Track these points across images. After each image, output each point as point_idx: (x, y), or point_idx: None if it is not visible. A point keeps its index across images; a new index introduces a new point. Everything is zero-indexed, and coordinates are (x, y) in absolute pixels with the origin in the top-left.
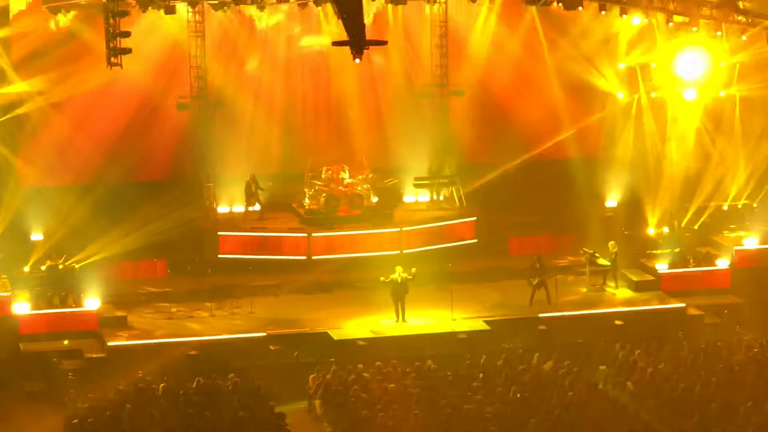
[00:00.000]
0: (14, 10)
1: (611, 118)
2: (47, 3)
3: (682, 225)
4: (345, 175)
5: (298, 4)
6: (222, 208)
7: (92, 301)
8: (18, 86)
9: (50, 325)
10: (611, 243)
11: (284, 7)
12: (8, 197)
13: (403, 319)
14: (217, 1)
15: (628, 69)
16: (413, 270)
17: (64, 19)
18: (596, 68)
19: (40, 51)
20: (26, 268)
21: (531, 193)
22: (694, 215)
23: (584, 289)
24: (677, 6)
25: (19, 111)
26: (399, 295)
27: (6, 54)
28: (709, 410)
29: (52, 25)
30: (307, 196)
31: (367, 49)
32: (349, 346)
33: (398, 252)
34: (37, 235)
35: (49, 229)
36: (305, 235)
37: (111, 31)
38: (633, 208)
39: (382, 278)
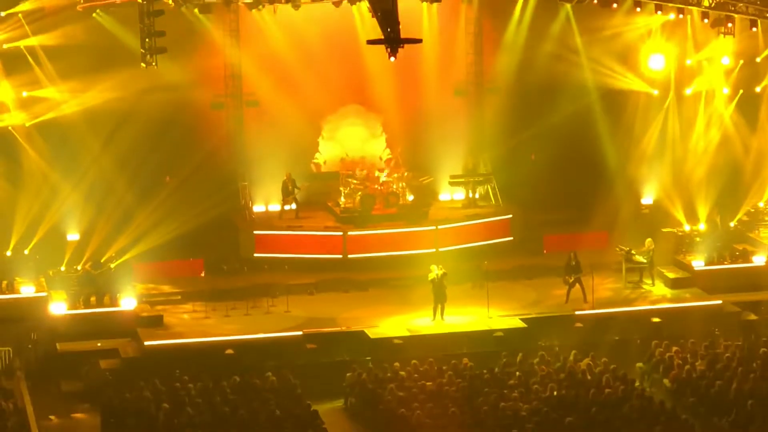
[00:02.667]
0: (49, 12)
1: (646, 115)
2: (83, 3)
3: (727, 222)
4: (381, 174)
5: (333, 3)
6: (258, 207)
7: (129, 301)
8: (53, 90)
9: (86, 325)
10: (648, 240)
11: (318, 4)
12: (44, 198)
13: (442, 317)
14: (250, 0)
15: (664, 66)
16: (443, 269)
17: (99, 20)
18: (631, 64)
19: (76, 52)
20: (62, 268)
21: (567, 190)
22: (731, 212)
23: (621, 286)
24: (712, 2)
25: (53, 114)
26: (438, 293)
27: (41, 56)
28: (745, 407)
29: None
30: (343, 194)
31: (402, 47)
32: (385, 344)
33: (434, 250)
34: (73, 235)
35: (84, 229)
36: (341, 233)
37: (146, 30)
38: (669, 204)
39: (430, 276)
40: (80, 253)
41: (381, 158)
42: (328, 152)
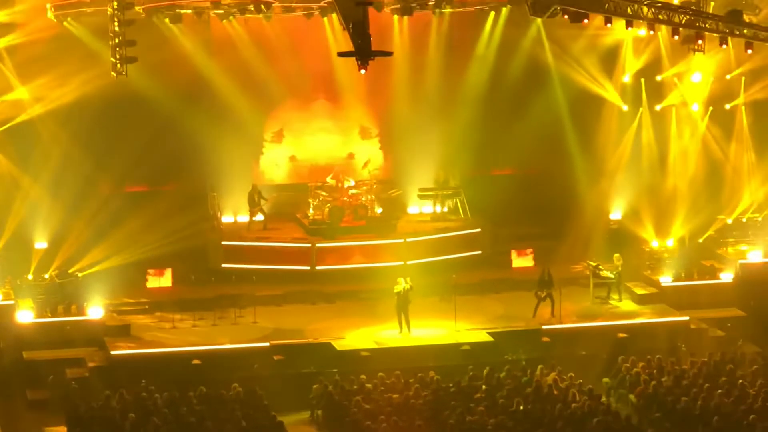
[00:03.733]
0: (20, 18)
1: (616, 131)
2: (54, 11)
3: (695, 239)
4: (350, 183)
5: (304, 14)
6: (226, 218)
7: (96, 310)
8: (20, 92)
9: (53, 334)
10: (616, 256)
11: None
12: (11, 205)
13: (408, 330)
14: (222, 11)
15: (633, 81)
16: (410, 283)
17: (70, 27)
18: (600, 80)
19: (45, 58)
20: (29, 276)
21: (535, 205)
22: (698, 229)
23: (589, 302)
24: (683, 19)
25: (22, 118)
26: (402, 306)
27: (11, 61)
28: (711, 424)
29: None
30: (312, 206)
31: (373, 59)
32: (352, 356)
33: (402, 263)
34: (40, 243)
35: (52, 237)
36: (309, 245)
37: (117, 40)
38: (637, 220)
39: (396, 289)
40: (48, 261)
41: (365, 167)
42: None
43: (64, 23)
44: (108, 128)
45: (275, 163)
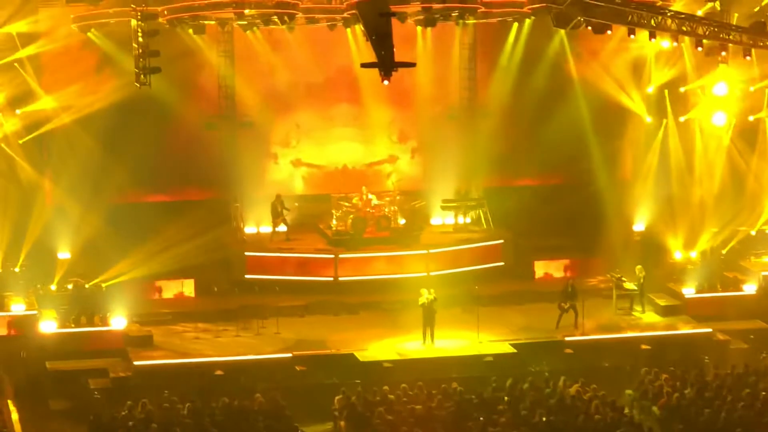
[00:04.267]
0: (44, 28)
1: (639, 142)
2: (77, 22)
3: (719, 250)
4: (373, 197)
5: (328, 26)
6: (249, 229)
7: (119, 320)
8: (45, 103)
9: (76, 344)
10: (638, 267)
11: (313, 26)
12: (35, 215)
13: (432, 341)
14: (245, 22)
15: (657, 93)
16: (434, 294)
17: (94, 38)
18: (624, 91)
19: (69, 69)
20: (53, 287)
21: (558, 216)
22: (722, 240)
23: (612, 313)
24: (706, 30)
25: (47, 128)
26: (429, 318)
27: (35, 72)
28: None
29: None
30: (335, 217)
31: (396, 71)
32: (375, 367)
33: (425, 274)
34: (63, 254)
35: (75, 247)
36: (332, 256)
37: (140, 51)
38: (660, 232)
39: (420, 301)
40: (72, 271)
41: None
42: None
43: (88, 34)
44: (132, 139)
45: (297, 172)
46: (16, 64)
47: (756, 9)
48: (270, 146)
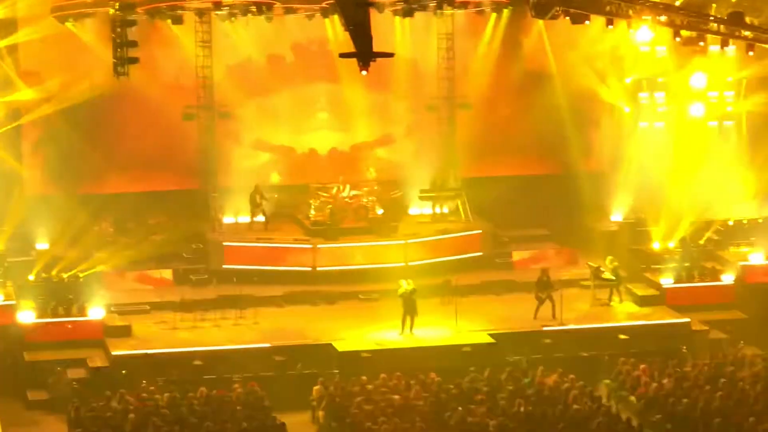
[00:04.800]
0: (22, 18)
1: (617, 132)
2: (55, 11)
3: (698, 240)
4: (350, 188)
5: (306, 15)
6: (227, 219)
7: (97, 311)
8: (24, 94)
9: (54, 335)
10: (609, 258)
11: (291, 17)
12: (13, 205)
13: (411, 331)
14: (224, 12)
15: (635, 83)
16: (412, 285)
17: (72, 28)
18: (603, 82)
19: (47, 59)
20: (31, 277)
21: (537, 206)
22: (699, 230)
23: (590, 303)
24: (684, 20)
25: (26, 119)
26: (409, 308)
27: (13, 61)
28: (712, 426)
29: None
30: (313, 207)
31: (374, 61)
32: (353, 357)
33: (403, 264)
34: (42, 244)
35: (53, 237)
36: (310, 246)
37: (118, 41)
38: (639, 222)
39: (399, 291)
40: (50, 261)
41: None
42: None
43: (66, 24)
44: (110, 129)
45: (275, 161)
46: None
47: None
48: (248, 136)
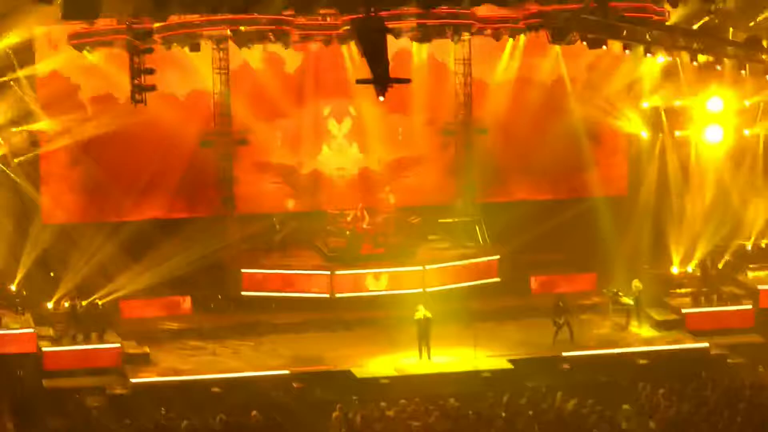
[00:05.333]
0: (39, 46)
1: (635, 158)
2: (72, 40)
3: (716, 265)
4: (368, 214)
5: (323, 42)
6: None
7: (115, 338)
8: (43, 124)
9: (73, 362)
10: (635, 281)
11: (309, 44)
12: (32, 234)
13: (429, 357)
14: (241, 39)
15: (653, 108)
16: (429, 313)
17: (89, 56)
18: (620, 107)
19: (65, 87)
20: (50, 305)
21: (555, 231)
22: (717, 254)
23: (608, 328)
24: (701, 45)
25: (46, 149)
26: (424, 334)
27: (32, 91)
28: None
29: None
30: (331, 234)
31: (392, 87)
32: (371, 384)
33: (421, 290)
34: (60, 272)
35: (72, 265)
36: (328, 272)
37: (135, 68)
38: (657, 246)
39: (416, 316)
40: (68, 290)
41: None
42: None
43: (83, 52)
44: (128, 156)
45: (292, 187)
46: (12, 83)
47: (751, 24)
48: (265, 161)
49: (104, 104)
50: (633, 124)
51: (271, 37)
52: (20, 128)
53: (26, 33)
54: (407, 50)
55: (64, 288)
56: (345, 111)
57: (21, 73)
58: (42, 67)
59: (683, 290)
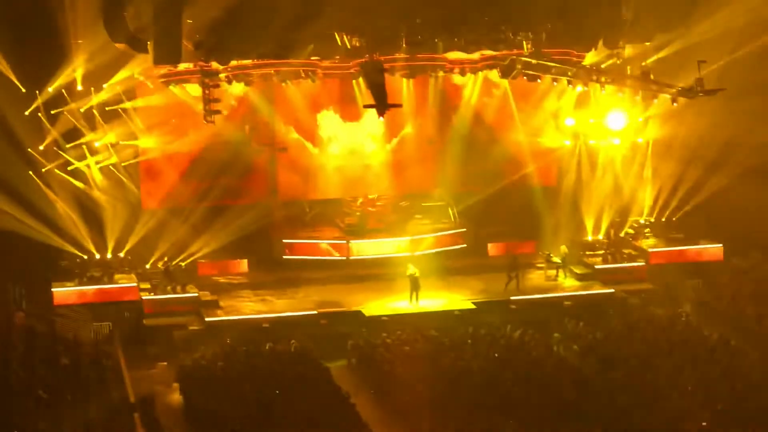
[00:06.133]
0: (139, 83)
1: (562, 158)
2: (162, 78)
3: (619, 234)
4: (373, 198)
5: (339, 78)
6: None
7: (194, 289)
8: (142, 141)
9: (164, 307)
10: (562, 246)
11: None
12: (134, 218)
13: (417, 301)
14: (281, 76)
15: (574, 123)
16: (416, 270)
17: (174, 90)
18: (551, 122)
19: (157, 112)
20: (147, 266)
21: (505, 211)
22: (619, 226)
23: (543, 280)
24: (608, 78)
25: (143, 157)
26: (414, 285)
27: (134, 116)
28: (630, 364)
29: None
30: (346, 214)
31: (389, 110)
32: (376, 320)
33: (410, 254)
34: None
35: (163, 239)
36: (345, 241)
37: (206, 98)
38: (576, 221)
39: (407, 272)
40: (159, 255)
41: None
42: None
43: (170, 87)
44: (201, 161)
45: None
46: (120, 111)
47: (643, 63)
48: (299, 162)
49: (185, 124)
50: (560, 137)
51: (303, 74)
52: (126, 143)
53: (129, 74)
54: (399, 84)
55: (158, 254)
56: (355, 128)
57: (126, 105)
58: (141, 99)
59: (596, 252)
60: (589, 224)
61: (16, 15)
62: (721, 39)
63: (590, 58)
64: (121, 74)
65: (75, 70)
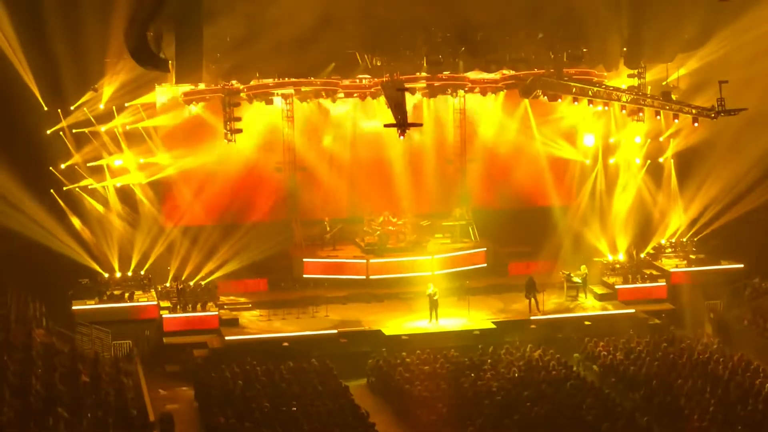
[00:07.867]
0: (160, 103)
1: (581, 178)
2: (183, 97)
3: (639, 254)
4: (393, 219)
5: (359, 97)
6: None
7: (213, 308)
8: (161, 158)
9: (184, 325)
10: (583, 266)
11: (350, 99)
12: (153, 236)
13: (436, 321)
14: (301, 96)
15: (594, 143)
16: (436, 289)
17: (195, 108)
18: (570, 141)
19: (178, 131)
20: (167, 285)
21: (525, 231)
22: (640, 247)
23: (563, 299)
24: (628, 98)
25: (163, 174)
26: (433, 305)
27: (154, 134)
28: (651, 385)
29: (186, 113)
30: (366, 233)
31: (409, 129)
32: (395, 339)
33: (430, 273)
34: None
35: (183, 257)
36: (365, 261)
37: (227, 117)
38: (597, 241)
39: (427, 292)
40: (179, 274)
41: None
42: None
43: (191, 105)
44: (223, 179)
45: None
46: (141, 129)
47: (663, 83)
48: (318, 181)
49: (205, 142)
50: (579, 154)
51: (323, 94)
52: (147, 160)
53: (151, 93)
54: (420, 103)
55: (177, 272)
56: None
57: (147, 123)
58: (161, 117)
59: (616, 272)
60: (610, 244)
61: (44, 34)
62: (743, 58)
63: (612, 78)
64: (141, 92)
65: (99, 90)
